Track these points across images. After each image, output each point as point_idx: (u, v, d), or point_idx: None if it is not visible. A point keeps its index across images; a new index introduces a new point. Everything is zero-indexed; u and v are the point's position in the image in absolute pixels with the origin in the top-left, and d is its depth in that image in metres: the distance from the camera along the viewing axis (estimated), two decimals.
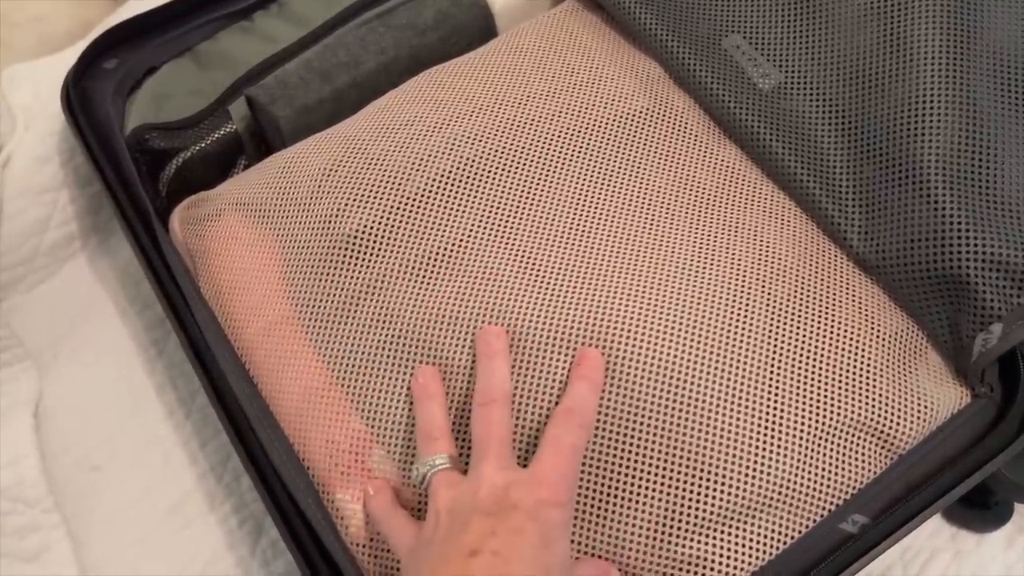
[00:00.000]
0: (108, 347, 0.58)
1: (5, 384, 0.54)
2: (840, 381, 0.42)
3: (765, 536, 0.40)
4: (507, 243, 0.45)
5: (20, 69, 0.62)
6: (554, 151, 0.48)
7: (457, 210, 0.46)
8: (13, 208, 0.58)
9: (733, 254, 0.45)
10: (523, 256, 0.44)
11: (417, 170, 0.47)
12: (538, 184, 0.47)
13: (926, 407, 0.43)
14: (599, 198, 0.46)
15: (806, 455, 0.40)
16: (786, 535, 0.40)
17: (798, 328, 0.43)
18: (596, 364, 0.41)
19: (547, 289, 0.43)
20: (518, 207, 0.46)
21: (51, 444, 0.53)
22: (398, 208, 0.46)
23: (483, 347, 0.41)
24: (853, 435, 0.41)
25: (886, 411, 0.42)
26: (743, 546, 0.39)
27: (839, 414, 0.41)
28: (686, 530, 0.39)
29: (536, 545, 0.34)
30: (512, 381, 0.41)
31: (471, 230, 0.45)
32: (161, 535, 0.51)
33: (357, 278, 0.45)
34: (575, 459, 0.38)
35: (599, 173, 0.47)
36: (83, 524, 0.51)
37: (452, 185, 0.46)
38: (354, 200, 0.46)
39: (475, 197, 0.46)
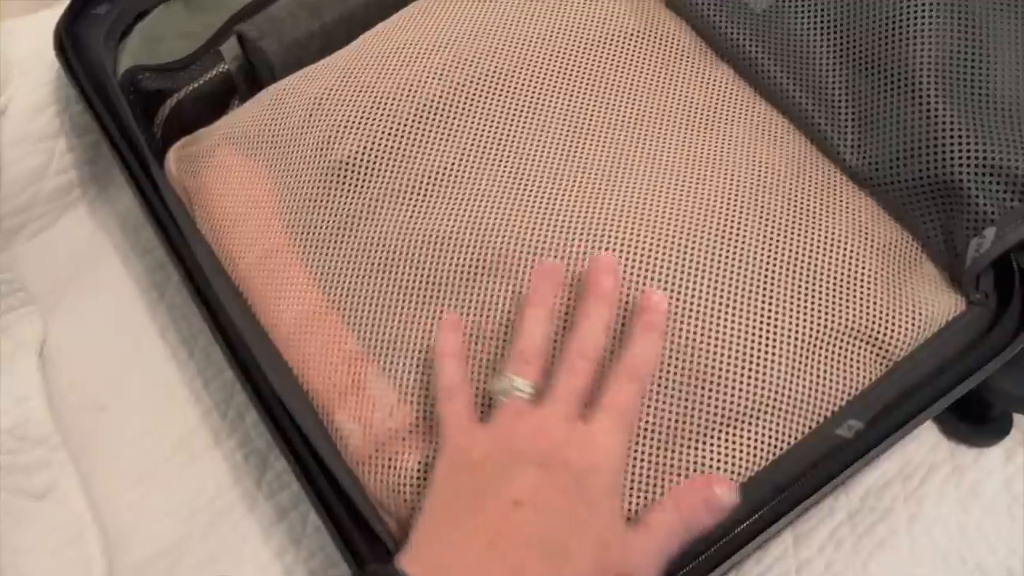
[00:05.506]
0: (110, 291, 0.58)
1: (9, 328, 0.55)
2: (833, 289, 0.42)
3: (761, 442, 0.40)
4: (499, 164, 0.45)
5: (16, 23, 0.62)
6: (545, 72, 0.48)
7: (449, 133, 0.46)
8: (10, 156, 0.58)
9: (726, 168, 0.45)
10: (516, 176, 0.44)
11: (408, 95, 0.47)
12: (530, 105, 0.47)
13: (920, 314, 0.43)
14: (590, 117, 0.46)
15: (801, 362, 0.41)
16: (783, 440, 0.40)
17: (791, 238, 0.43)
18: (660, 308, 0.38)
19: (540, 206, 0.43)
20: (510, 128, 0.46)
21: (56, 385, 0.54)
22: (390, 133, 0.46)
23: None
24: (847, 342, 0.41)
25: (880, 318, 0.42)
26: (740, 452, 0.40)
27: (833, 321, 0.41)
28: (684, 437, 0.40)
29: (579, 507, 0.35)
30: (511, 301, 0.41)
31: (463, 152, 0.45)
32: (167, 470, 0.52)
33: (350, 203, 0.45)
34: (633, 423, 0.38)
35: (590, 93, 0.47)
36: (90, 461, 0.51)
37: (443, 109, 0.46)
38: (345, 127, 0.46)
39: (466, 120, 0.46)
